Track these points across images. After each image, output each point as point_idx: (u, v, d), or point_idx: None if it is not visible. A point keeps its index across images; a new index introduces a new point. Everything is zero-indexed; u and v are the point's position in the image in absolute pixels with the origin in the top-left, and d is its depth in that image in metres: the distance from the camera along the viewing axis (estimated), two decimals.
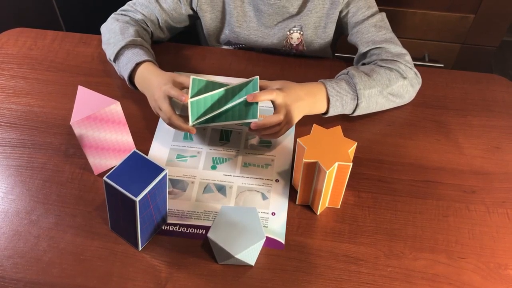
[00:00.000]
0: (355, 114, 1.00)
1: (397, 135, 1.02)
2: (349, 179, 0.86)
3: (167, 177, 0.80)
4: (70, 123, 0.83)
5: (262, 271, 0.83)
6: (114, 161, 0.95)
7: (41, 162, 0.96)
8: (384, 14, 1.08)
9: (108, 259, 0.83)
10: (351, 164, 0.82)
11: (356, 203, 0.91)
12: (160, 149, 0.99)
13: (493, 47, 1.62)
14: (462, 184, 0.95)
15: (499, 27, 1.56)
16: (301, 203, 0.91)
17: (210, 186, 0.93)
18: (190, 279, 0.81)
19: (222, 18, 1.14)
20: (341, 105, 0.98)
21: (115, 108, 0.87)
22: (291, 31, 1.12)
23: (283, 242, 0.86)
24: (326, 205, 0.91)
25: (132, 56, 1.01)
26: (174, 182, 0.94)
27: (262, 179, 0.94)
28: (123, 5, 1.15)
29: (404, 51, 1.04)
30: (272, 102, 0.92)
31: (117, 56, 1.04)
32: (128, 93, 1.05)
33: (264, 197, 0.92)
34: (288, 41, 1.13)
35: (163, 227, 0.87)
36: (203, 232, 0.87)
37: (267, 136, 0.95)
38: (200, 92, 0.91)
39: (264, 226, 0.88)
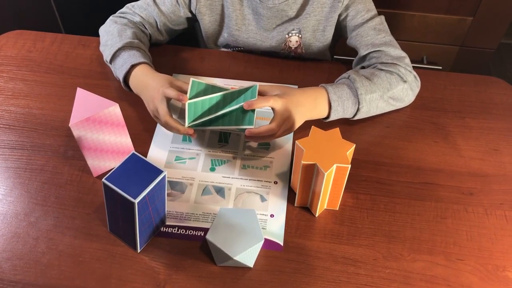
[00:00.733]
0: (356, 118, 1.01)
1: (395, 137, 1.03)
2: (348, 181, 0.87)
3: (166, 179, 0.80)
4: (69, 125, 0.83)
5: (260, 273, 0.83)
6: (113, 163, 0.95)
7: (40, 164, 0.96)
8: (383, 17, 1.08)
9: (106, 261, 0.83)
10: (350, 166, 0.82)
11: (354, 205, 0.92)
12: (159, 151, 0.99)
13: (491, 50, 1.62)
14: (460, 186, 0.95)
15: (497, 30, 1.57)
16: (300, 205, 0.91)
17: (209, 188, 0.93)
18: (188, 281, 0.81)
19: (220, 21, 1.14)
20: (342, 110, 0.98)
21: (114, 110, 0.87)
22: (290, 34, 1.12)
23: (282, 244, 0.86)
24: (325, 207, 0.91)
25: (128, 58, 1.01)
26: (173, 184, 0.94)
27: (260, 181, 0.95)
28: (121, 7, 1.15)
29: (404, 54, 1.04)
30: (272, 108, 0.92)
31: (113, 58, 1.04)
32: (127, 95, 1.05)
33: (263, 199, 0.92)
34: (287, 44, 1.14)
35: (161, 229, 0.88)
36: (202, 234, 0.87)
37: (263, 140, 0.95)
38: (198, 95, 0.91)
39: (262, 228, 0.88)
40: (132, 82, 1.01)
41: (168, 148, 0.99)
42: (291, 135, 1.01)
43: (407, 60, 1.04)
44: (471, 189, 0.94)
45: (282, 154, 0.99)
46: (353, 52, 1.12)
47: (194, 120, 0.91)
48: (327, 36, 1.12)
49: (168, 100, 0.94)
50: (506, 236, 0.88)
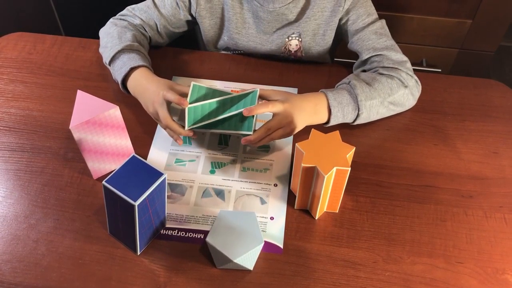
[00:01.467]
0: (356, 123, 1.01)
1: (395, 140, 1.03)
2: (347, 184, 0.87)
3: (166, 181, 0.80)
4: (69, 127, 0.83)
5: (260, 276, 0.83)
6: (113, 166, 0.95)
7: (40, 166, 0.96)
8: (384, 21, 1.08)
9: (106, 263, 0.83)
10: (349, 169, 0.82)
11: (354, 208, 0.92)
12: (159, 154, 0.99)
13: (490, 52, 1.63)
14: (460, 189, 0.95)
15: (496, 32, 1.57)
16: (300, 208, 0.91)
17: (209, 191, 0.93)
18: (188, 284, 0.81)
19: (221, 24, 1.14)
20: (342, 116, 0.98)
21: (114, 112, 0.87)
22: (290, 38, 1.12)
23: (282, 247, 0.86)
24: (325, 210, 0.91)
25: (127, 61, 1.02)
26: (173, 187, 0.94)
27: (260, 183, 0.95)
28: (122, 9, 1.15)
29: (405, 58, 1.05)
30: (272, 113, 0.93)
31: (112, 60, 1.04)
32: (127, 97, 1.05)
33: (263, 201, 0.92)
34: (287, 47, 1.14)
35: (161, 232, 0.88)
36: (202, 237, 0.87)
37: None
38: (199, 99, 0.92)
39: (262, 230, 0.88)
40: (131, 85, 1.02)
41: (168, 150, 0.99)
42: (291, 138, 1.01)
43: (409, 65, 1.04)
44: (471, 192, 0.95)
45: (282, 156, 0.99)
46: (353, 54, 1.12)
47: (193, 124, 0.92)
48: (327, 40, 1.12)
49: (168, 103, 0.94)
50: (505, 239, 0.88)
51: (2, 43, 1.19)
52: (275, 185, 0.95)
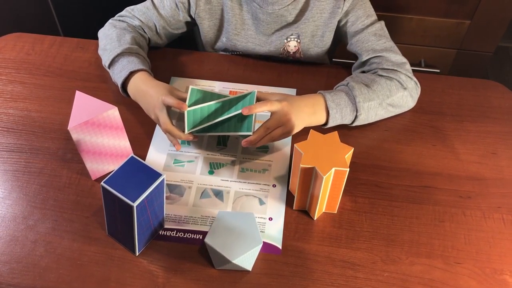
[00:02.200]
0: (354, 125, 1.01)
1: (393, 140, 1.03)
2: (346, 185, 0.87)
3: (165, 182, 0.80)
4: (68, 128, 0.83)
5: (259, 276, 0.83)
6: (112, 166, 0.95)
7: (39, 167, 0.96)
8: (383, 22, 1.09)
9: (105, 264, 0.83)
10: (348, 169, 0.82)
11: (353, 209, 0.92)
12: (157, 154, 0.99)
13: (488, 53, 1.63)
14: (458, 189, 0.95)
15: (495, 33, 1.57)
16: (298, 208, 0.91)
17: (208, 191, 0.93)
18: (187, 284, 0.81)
19: (220, 25, 1.14)
20: (341, 117, 0.98)
21: (113, 113, 0.87)
22: (289, 39, 1.12)
23: (280, 247, 0.86)
24: (323, 210, 0.91)
25: (127, 64, 1.02)
26: (172, 187, 0.94)
27: (259, 184, 0.95)
28: (120, 10, 1.15)
29: (404, 59, 1.05)
30: (270, 112, 0.93)
31: (112, 63, 1.04)
32: (126, 98, 1.05)
33: (261, 202, 0.92)
34: (285, 49, 1.14)
35: (160, 232, 0.87)
36: (200, 237, 0.87)
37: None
38: (197, 102, 0.92)
39: (261, 231, 0.88)
40: (131, 89, 1.02)
41: (166, 151, 0.99)
42: (290, 138, 1.01)
43: (408, 66, 1.04)
44: (469, 193, 0.95)
45: (281, 157, 0.99)
46: (352, 55, 1.12)
47: (193, 127, 0.92)
48: (326, 41, 1.12)
49: (168, 108, 0.95)
50: (504, 240, 0.88)
51: (1, 44, 1.19)
52: (274, 185, 0.95)
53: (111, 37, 1.07)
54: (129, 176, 0.77)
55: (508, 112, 1.09)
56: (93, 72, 1.13)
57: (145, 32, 1.12)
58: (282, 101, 0.93)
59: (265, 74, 1.14)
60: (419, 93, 1.06)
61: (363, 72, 1.08)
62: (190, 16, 1.14)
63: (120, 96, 1.06)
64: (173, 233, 0.87)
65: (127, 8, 1.14)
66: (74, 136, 0.85)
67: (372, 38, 1.06)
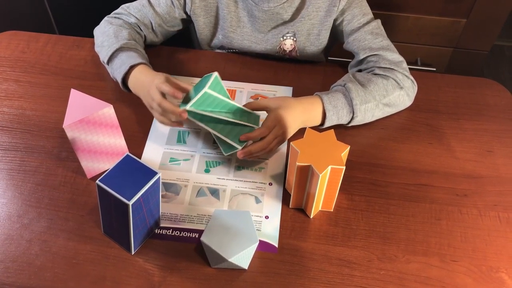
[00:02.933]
0: (350, 125, 1.01)
1: (390, 139, 1.03)
2: (342, 183, 0.87)
3: (160, 180, 0.79)
4: (63, 126, 0.83)
5: (255, 275, 0.83)
6: (107, 165, 0.94)
7: (34, 165, 0.95)
8: (379, 21, 1.08)
9: (100, 263, 0.83)
10: (344, 167, 0.82)
11: (349, 207, 0.92)
12: (153, 153, 0.98)
13: (484, 51, 1.63)
14: (455, 187, 0.95)
15: (491, 32, 1.57)
16: (295, 207, 0.91)
17: (204, 190, 0.93)
18: (183, 283, 0.81)
19: (215, 23, 1.14)
20: (337, 119, 0.99)
21: (108, 111, 0.86)
22: (284, 37, 1.12)
23: (277, 246, 0.86)
24: (319, 209, 0.91)
25: (126, 59, 1.01)
26: (167, 186, 0.93)
27: (255, 182, 0.94)
28: (116, 8, 1.15)
29: (401, 58, 1.05)
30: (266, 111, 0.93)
31: (110, 59, 1.04)
32: (121, 96, 1.05)
33: (258, 200, 0.92)
34: (281, 47, 1.14)
35: (156, 231, 0.87)
36: (197, 236, 0.87)
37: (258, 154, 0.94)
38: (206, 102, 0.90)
39: (257, 229, 0.88)
40: (131, 82, 1.01)
41: (162, 149, 0.99)
42: None
43: (405, 65, 1.04)
44: (465, 191, 0.95)
45: (277, 155, 0.99)
46: (348, 54, 1.12)
47: (197, 107, 0.88)
48: (322, 40, 1.12)
49: (162, 95, 0.93)
50: (500, 237, 0.88)
51: None
52: (270, 184, 0.94)
53: (108, 34, 1.06)
54: (124, 174, 0.77)
55: (504, 110, 1.09)
56: (88, 70, 1.13)
57: (141, 30, 1.12)
58: (277, 107, 0.93)
59: (261, 72, 1.14)
60: (415, 91, 1.06)
61: (360, 71, 1.08)
62: (185, 13, 1.13)
63: (115, 94, 1.06)
64: (169, 232, 0.87)
65: (123, 6, 1.13)
66: (69, 134, 0.85)
67: (369, 37, 1.06)
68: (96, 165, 0.93)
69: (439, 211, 0.92)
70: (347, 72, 1.11)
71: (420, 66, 1.65)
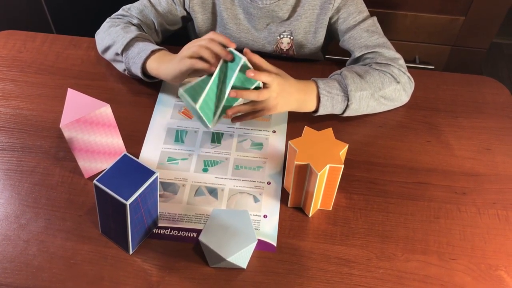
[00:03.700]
0: (345, 115, 1.01)
1: (388, 137, 1.03)
2: (341, 181, 0.86)
3: (158, 180, 0.79)
4: (60, 126, 0.83)
5: (254, 274, 0.82)
6: (105, 164, 0.94)
7: (31, 165, 0.95)
8: (375, 18, 1.08)
9: (98, 263, 0.83)
10: (343, 166, 0.82)
11: (347, 205, 0.91)
12: (151, 152, 0.98)
13: (483, 49, 1.63)
14: (453, 185, 0.95)
15: (489, 29, 1.57)
16: (293, 206, 0.91)
17: (202, 189, 0.93)
18: (181, 283, 0.81)
19: (213, 19, 1.14)
20: (331, 105, 0.98)
21: (105, 111, 0.86)
22: (281, 36, 1.12)
23: (275, 245, 0.86)
24: (318, 207, 0.91)
25: (144, 46, 1.01)
26: (165, 185, 0.93)
27: (253, 181, 0.94)
28: (114, 8, 1.14)
29: (398, 55, 1.04)
30: (265, 84, 0.92)
31: (126, 48, 1.02)
32: (119, 96, 1.05)
33: (256, 199, 0.92)
34: (279, 46, 1.13)
35: (154, 231, 0.87)
36: (195, 235, 0.86)
37: (246, 112, 0.94)
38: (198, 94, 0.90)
39: (256, 228, 0.87)
40: (153, 64, 1.00)
41: (160, 149, 0.99)
42: (284, 136, 1.01)
43: (401, 62, 1.04)
44: (464, 189, 0.95)
45: (275, 154, 0.99)
46: (346, 52, 1.12)
47: (209, 110, 0.91)
48: (319, 38, 1.12)
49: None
50: (498, 235, 0.88)
51: None
52: (268, 183, 0.94)
53: (117, 31, 1.05)
54: (122, 174, 0.76)
55: (502, 108, 1.09)
56: (85, 70, 1.12)
57: (144, 31, 1.11)
58: (278, 77, 0.92)
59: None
60: (413, 88, 1.06)
61: None
62: (185, 9, 1.13)
63: (112, 94, 1.06)
64: (167, 232, 0.87)
65: (124, 7, 1.13)
66: (66, 134, 0.84)
67: (365, 35, 1.05)
68: (93, 165, 0.92)
69: (437, 209, 0.92)
70: None
71: (418, 64, 1.65)
